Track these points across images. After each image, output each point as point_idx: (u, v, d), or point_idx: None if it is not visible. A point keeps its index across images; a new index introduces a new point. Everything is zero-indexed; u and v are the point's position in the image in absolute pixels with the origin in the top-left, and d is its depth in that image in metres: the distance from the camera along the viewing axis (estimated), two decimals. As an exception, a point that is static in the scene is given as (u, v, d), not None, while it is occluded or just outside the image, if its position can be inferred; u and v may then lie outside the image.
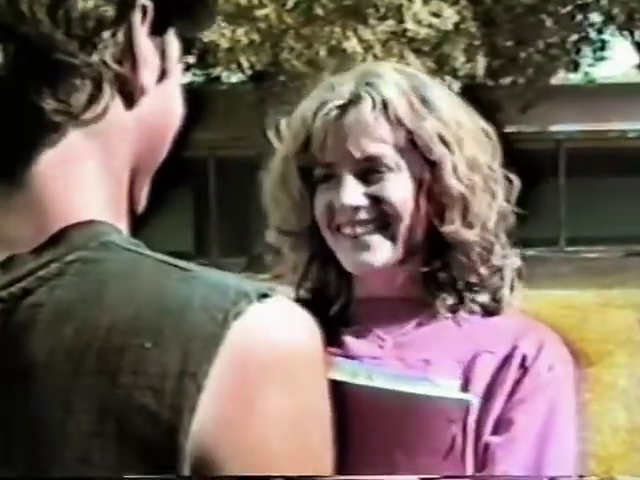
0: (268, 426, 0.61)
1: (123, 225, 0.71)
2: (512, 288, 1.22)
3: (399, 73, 1.17)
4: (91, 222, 0.67)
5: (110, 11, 0.67)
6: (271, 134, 1.22)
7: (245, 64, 14.49)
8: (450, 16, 14.34)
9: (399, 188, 1.14)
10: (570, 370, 1.19)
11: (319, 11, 13.98)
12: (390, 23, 14.35)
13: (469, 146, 1.16)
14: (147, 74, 0.71)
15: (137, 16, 0.69)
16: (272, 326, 0.63)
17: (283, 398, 0.62)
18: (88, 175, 0.69)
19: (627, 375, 6.81)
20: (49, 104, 0.66)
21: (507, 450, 1.12)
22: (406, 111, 1.13)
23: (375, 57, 13.82)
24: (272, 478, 0.61)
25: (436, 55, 14.91)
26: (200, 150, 16.88)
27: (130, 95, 0.70)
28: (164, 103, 0.74)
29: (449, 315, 1.18)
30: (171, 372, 0.60)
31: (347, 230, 1.15)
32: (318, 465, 0.64)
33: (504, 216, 1.19)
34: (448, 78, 14.64)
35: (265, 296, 0.64)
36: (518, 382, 1.15)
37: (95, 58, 0.67)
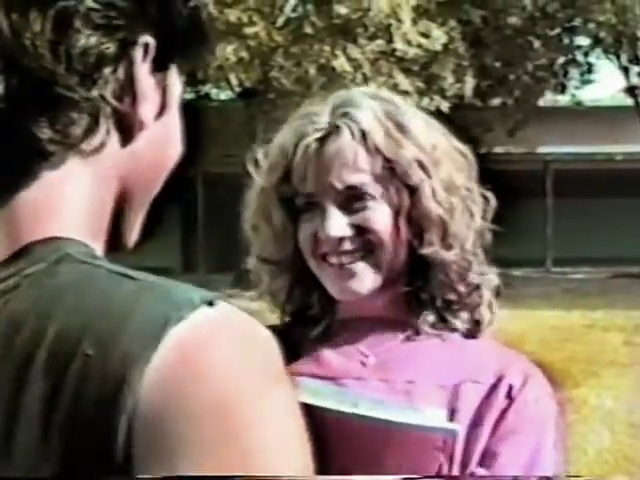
0: (194, 427, 0.60)
1: (99, 248, 0.72)
2: (490, 306, 1.23)
3: (373, 99, 1.18)
4: (55, 238, 0.68)
5: (111, 48, 0.69)
6: (249, 165, 1.22)
7: (234, 81, 14.53)
8: (439, 37, 14.43)
9: (380, 216, 1.15)
10: (553, 404, 1.20)
11: (308, 30, 14.05)
12: (379, 43, 14.43)
13: (445, 168, 1.17)
14: (146, 110, 0.72)
15: (139, 53, 0.71)
16: (212, 332, 0.63)
17: (217, 400, 0.61)
18: (70, 201, 0.70)
19: (613, 397, 6.82)
20: (45, 134, 0.68)
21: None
22: (383, 139, 1.15)
23: (364, 76, 13.89)
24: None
25: (425, 75, 14.99)
26: (188, 166, 16.89)
27: (128, 130, 0.72)
28: (162, 138, 0.75)
29: (432, 332, 1.19)
30: (110, 377, 0.61)
31: (332, 259, 1.16)
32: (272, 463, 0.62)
33: (481, 234, 1.21)
34: (437, 98, 14.72)
35: (210, 304, 0.64)
36: (504, 412, 1.16)
37: (94, 93, 0.69)
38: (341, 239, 1.15)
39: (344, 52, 13.99)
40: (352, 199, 1.15)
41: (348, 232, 1.15)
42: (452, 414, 1.14)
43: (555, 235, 19.00)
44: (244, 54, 13.95)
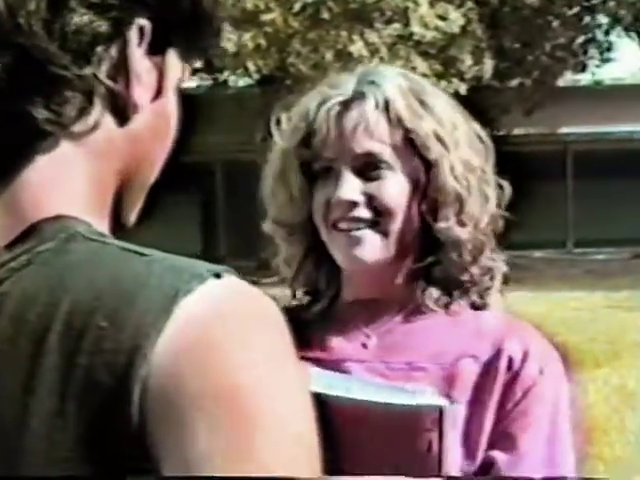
0: (204, 395, 0.62)
1: (104, 229, 0.73)
2: (500, 292, 1.24)
3: (400, 75, 1.20)
4: (61, 217, 0.69)
5: (104, 27, 0.70)
6: (272, 127, 1.23)
7: (252, 68, 14.50)
8: (456, 19, 14.33)
9: (395, 186, 1.16)
10: (560, 368, 1.18)
11: (325, 15, 13.99)
12: (396, 26, 14.35)
13: (464, 148, 1.18)
14: (140, 92, 0.73)
15: (133, 34, 0.72)
16: (221, 302, 0.65)
17: (230, 369, 0.62)
18: (71, 180, 0.71)
19: (635, 377, 6.79)
20: (41, 113, 0.69)
21: (516, 468, 1.11)
22: (406, 111, 1.15)
23: (381, 60, 13.82)
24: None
25: (443, 58, 14.89)
26: (207, 154, 16.91)
27: (123, 111, 0.73)
28: (158, 122, 0.76)
29: (435, 308, 1.19)
30: (124, 348, 0.62)
31: (342, 225, 1.16)
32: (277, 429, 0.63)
33: (494, 220, 1.21)
34: (455, 80, 14.63)
35: (218, 276, 0.66)
36: (509, 387, 1.14)
37: (87, 72, 0.70)
38: (353, 204, 1.15)
39: (361, 37, 13.93)
40: (369, 167, 1.16)
41: (360, 198, 1.16)
42: (449, 391, 1.13)
43: (576, 216, 18.88)
44: (261, 41, 13.92)
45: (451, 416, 1.09)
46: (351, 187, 1.15)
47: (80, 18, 0.69)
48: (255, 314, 0.66)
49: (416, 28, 14.15)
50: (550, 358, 1.18)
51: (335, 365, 1.17)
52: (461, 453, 1.12)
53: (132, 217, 0.79)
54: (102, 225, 0.73)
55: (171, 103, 0.77)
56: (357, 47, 13.79)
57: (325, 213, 1.18)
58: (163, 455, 0.61)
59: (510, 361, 1.15)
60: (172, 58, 0.76)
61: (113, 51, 0.71)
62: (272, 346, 0.65)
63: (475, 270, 1.19)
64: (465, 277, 1.19)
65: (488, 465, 1.11)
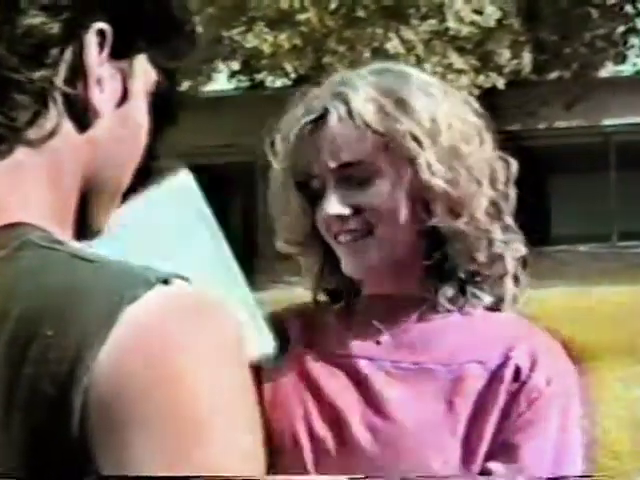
0: (144, 403, 0.61)
1: (67, 235, 0.72)
2: (516, 279, 1.21)
3: (378, 75, 1.20)
4: (17, 224, 0.68)
5: (56, 29, 0.68)
6: (267, 148, 1.25)
7: (288, 69, 14.53)
8: (492, 13, 14.23)
9: (378, 192, 1.16)
10: (569, 380, 1.15)
11: (360, 13, 13.97)
12: (432, 22, 14.28)
13: (446, 138, 1.16)
14: (101, 97, 0.71)
15: (91, 38, 0.70)
16: (166, 309, 0.63)
17: (171, 379, 0.61)
18: (29, 187, 0.70)
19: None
20: None
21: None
22: (375, 116, 1.15)
23: (417, 57, 13.76)
24: None
25: (479, 52, 14.80)
26: (246, 156, 16.97)
27: (82, 117, 0.71)
28: (123, 127, 0.74)
29: (450, 307, 1.18)
30: (67, 357, 0.62)
31: (340, 238, 1.18)
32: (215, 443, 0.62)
33: (497, 202, 1.19)
34: (493, 75, 14.52)
35: (166, 282, 0.64)
36: (515, 397, 1.10)
37: (39, 74, 0.68)
38: (344, 218, 1.16)
39: (397, 34, 13.89)
40: (351, 178, 1.16)
41: (346, 211, 1.16)
42: (452, 396, 1.11)
43: (620, 209, 18.65)
44: (297, 41, 13.93)
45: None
46: (334, 202, 1.17)
47: (30, 20, 0.68)
48: (202, 322, 0.64)
49: (452, 23, 14.07)
50: (560, 369, 1.14)
51: (347, 361, 1.17)
52: (459, 461, 1.09)
53: (103, 223, 0.77)
54: (65, 231, 0.72)
55: (138, 108, 0.75)
56: (393, 44, 13.74)
57: (326, 228, 1.20)
58: (102, 465, 0.60)
59: (517, 370, 1.12)
60: (141, 63, 0.74)
61: (69, 55, 0.70)
62: (219, 356, 0.63)
63: (482, 258, 1.18)
64: (473, 267, 1.18)
65: (485, 476, 1.08)
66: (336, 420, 1.12)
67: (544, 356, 1.13)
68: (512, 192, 1.21)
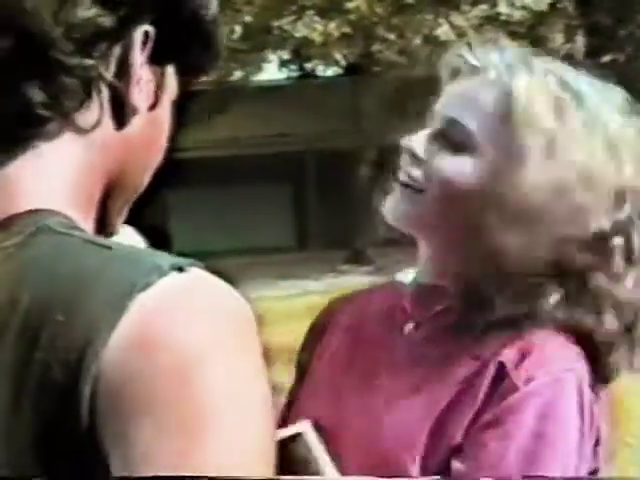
0: (152, 392, 0.60)
1: (88, 228, 0.72)
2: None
3: (550, 73, 1.11)
4: (36, 210, 0.69)
5: (108, 22, 0.71)
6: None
7: (338, 57, 14.51)
8: (545, -4, 14.05)
9: (461, 169, 1.07)
10: (563, 386, 1.01)
11: (410, 0, 13.88)
12: (483, 7, 14.14)
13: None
14: (140, 96, 0.73)
15: (137, 38, 0.72)
16: (179, 296, 0.63)
17: (182, 368, 0.61)
18: (60, 175, 0.72)
19: None
20: (38, 97, 0.69)
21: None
22: (544, 109, 1.06)
23: (468, 43, 13.63)
24: None
25: (532, 37, 14.62)
26: (298, 145, 16.99)
27: (122, 112, 0.73)
28: (153, 132, 0.76)
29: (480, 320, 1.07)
30: (76, 344, 0.61)
31: (397, 174, 1.11)
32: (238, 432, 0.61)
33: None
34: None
35: (180, 270, 0.64)
36: (489, 396, 1.01)
37: (90, 62, 0.70)
38: (414, 160, 1.09)
39: (447, 20, 13.78)
40: (456, 136, 1.08)
41: (421, 154, 1.09)
42: (439, 390, 1.04)
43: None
44: (346, 29, 13.90)
45: (312, 435, 1.05)
46: (422, 143, 1.09)
47: (86, 11, 0.70)
48: (216, 310, 0.63)
49: (503, 8, 13.92)
50: (551, 368, 1.01)
51: (375, 349, 1.13)
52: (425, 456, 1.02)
53: (117, 224, 0.78)
54: (87, 223, 0.73)
55: (165, 117, 0.77)
56: (443, 30, 13.64)
57: (394, 157, 1.12)
58: (110, 453, 0.60)
59: (501, 367, 1.01)
60: (170, 74, 0.77)
61: (117, 51, 0.72)
62: (231, 344, 0.63)
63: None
64: (524, 308, 1.04)
65: (440, 472, 1.01)
66: (339, 412, 1.09)
67: (539, 356, 1.01)
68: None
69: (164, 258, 0.65)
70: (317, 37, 13.88)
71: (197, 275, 0.65)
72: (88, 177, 0.73)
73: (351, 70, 15.05)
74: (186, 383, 0.60)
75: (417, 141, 1.10)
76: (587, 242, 1.04)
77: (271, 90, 16.23)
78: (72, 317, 0.62)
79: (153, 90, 0.75)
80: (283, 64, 16.03)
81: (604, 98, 1.11)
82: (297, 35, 14.30)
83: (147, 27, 0.73)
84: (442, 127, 1.10)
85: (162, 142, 0.79)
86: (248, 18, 14.74)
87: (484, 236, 1.04)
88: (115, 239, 0.75)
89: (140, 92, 0.73)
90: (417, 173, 1.09)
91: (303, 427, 1.09)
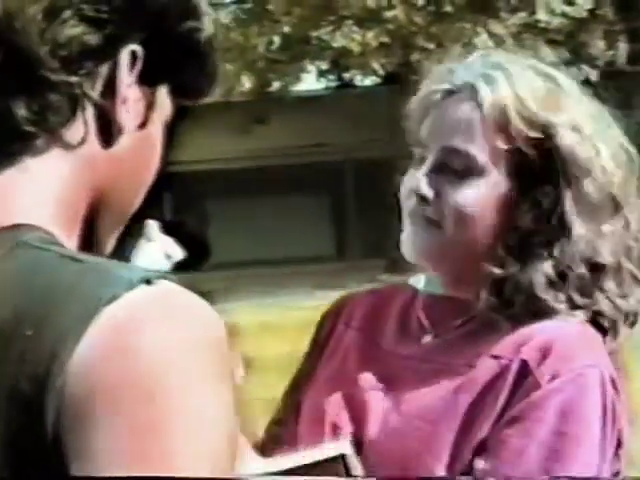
0: (114, 404, 0.61)
1: (71, 244, 0.73)
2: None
3: (529, 69, 1.10)
4: (18, 225, 0.70)
5: (94, 40, 0.72)
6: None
7: (377, 67, 14.51)
8: (584, 3, 13.93)
9: (471, 195, 1.06)
10: (589, 384, 1.00)
11: (448, 8, 13.85)
12: (521, 15, 14.07)
13: (606, 157, 1.07)
14: (126, 115, 0.74)
15: (125, 58, 0.73)
16: (144, 309, 0.63)
17: (144, 380, 0.61)
18: (44, 191, 0.72)
19: None
20: (22, 112, 0.71)
21: (496, 477, 0.99)
22: (534, 108, 1.05)
23: (507, 52, 13.57)
24: None
25: (571, 44, 14.51)
26: (336, 154, 17.01)
27: (108, 131, 0.74)
28: (142, 151, 0.77)
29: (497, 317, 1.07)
30: (44, 357, 0.62)
31: (411, 213, 1.10)
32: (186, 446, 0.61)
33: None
34: (585, 67, 14.22)
35: (149, 282, 0.64)
36: (513, 393, 1.01)
37: (75, 79, 0.71)
38: (423, 198, 1.08)
39: (485, 28, 13.73)
40: (455, 163, 1.07)
41: (429, 194, 1.08)
42: (460, 391, 1.03)
43: None
44: (384, 38, 13.91)
45: (353, 456, 1.03)
46: (425, 180, 1.08)
47: (72, 29, 0.71)
48: (181, 322, 0.64)
49: (542, 15, 13.83)
50: (574, 365, 1.00)
51: (387, 354, 1.12)
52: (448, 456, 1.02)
53: (107, 244, 0.78)
54: (71, 240, 0.73)
55: (156, 136, 0.78)
56: (482, 39, 13.59)
57: (405, 197, 1.12)
58: (72, 464, 0.61)
59: (524, 365, 1.01)
60: (163, 94, 0.77)
61: (104, 70, 0.73)
62: (194, 357, 0.63)
63: (578, 299, 1.05)
64: (549, 303, 1.05)
65: (466, 471, 1.01)
66: (358, 412, 1.08)
67: (561, 352, 1.01)
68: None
69: (135, 271, 0.66)
70: (355, 47, 13.90)
71: (165, 288, 0.65)
72: (74, 193, 0.74)
73: (389, 79, 15.04)
74: (146, 394, 0.61)
75: (421, 180, 1.08)
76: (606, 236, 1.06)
77: (310, 100, 16.27)
78: (41, 331, 0.63)
79: (143, 110, 0.75)
80: (321, 74, 16.07)
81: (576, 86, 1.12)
82: (335, 45, 14.33)
83: (135, 47, 0.74)
84: (442, 159, 1.08)
85: (153, 162, 0.79)
86: (287, 29, 14.81)
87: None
88: (152, 251, 0.76)
89: (127, 111, 0.74)
90: (430, 211, 1.08)
91: (344, 447, 1.04)
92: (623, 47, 15.12)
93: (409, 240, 1.11)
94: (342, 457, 1.04)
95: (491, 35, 13.71)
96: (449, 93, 1.10)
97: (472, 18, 13.84)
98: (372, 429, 1.07)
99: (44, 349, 0.63)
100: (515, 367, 1.01)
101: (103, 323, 0.63)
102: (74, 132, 0.73)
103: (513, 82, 1.07)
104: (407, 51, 14.21)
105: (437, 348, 1.09)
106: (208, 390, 0.63)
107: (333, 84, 16.34)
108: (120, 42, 0.74)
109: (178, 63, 0.77)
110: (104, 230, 0.78)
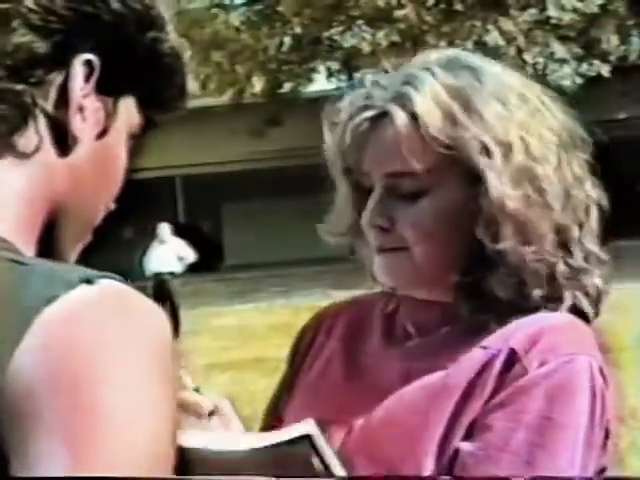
0: (49, 403, 0.61)
1: (29, 252, 0.73)
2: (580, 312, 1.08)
3: (447, 71, 1.09)
4: None
5: (42, 48, 0.72)
6: (325, 129, 1.16)
7: (388, 66, 14.51)
8: (595, -2, 13.89)
9: (426, 210, 1.07)
10: (578, 370, 1.00)
11: (458, 7, 13.84)
12: (532, 12, 14.04)
13: (519, 154, 1.05)
14: (82, 125, 0.74)
15: (78, 67, 0.73)
16: (80, 310, 0.64)
17: (74, 377, 0.62)
18: (3, 197, 0.72)
19: None
20: None
21: (480, 460, 0.98)
22: (441, 124, 1.05)
23: (518, 48, 13.55)
24: None
25: (583, 40, 14.46)
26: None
27: (62, 140, 0.74)
28: (102, 161, 0.77)
29: (480, 320, 1.07)
30: None
31: (376, 246, 1.10)
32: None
33: (571, 229, 1.07)
34: (597, 62, 14.17)
35: (89, 282, 0.65)
36: (500, 381, 1.01)
37: (21, 87, 0.71)
38: (383, 229, 1.08)
39: (496, 26, 13.71)
40: (404, 186, 1.07)
41: (384, 224, 1.08)
42: (448, 379, 1.04)
43: None
44: (395, 38, 13.91)
45: (320, 437, 0.99)
46: (377, 212, 1.08)
47: (20, 37, 0.71)
48: (119, 320, 0.64)
49: (553, 12, 13.80)
50: (564, 352, 1.01)
51: (372, 362, 1.12)
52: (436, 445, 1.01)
53: (68, 253, 0.78)
54: (29, 247, 0.73)
55: (118, 146, 0.78)
56: (493, 37, 13.58)
57: (366, 231, 1.11)
58: (14, 465, 0.61)
59: (512, 353, 1.01)
60: (127, 104, 0.77)
61: (57, 78, 0.73)
62: (132, 355, 0.63)
63: (537, 294, 1.05)
64: (517, 300, 1.05)
65: (453, 455, 1.00)
66: (342, 417, 1.07)
67: (549, 341, 1.01)
68: (593, 217, 1.09)
69: (77, 272, 0.66)
70: (366, 47, 13.91)
71: (106, 287, 0.65)
72: (30, 201, 0.74)
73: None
74: (79, 392, 0.62)
75: (373, 212, 1.08)
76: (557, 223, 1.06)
77: (322, 101, 16.22)
78: None
79: (102, 120, 0.75)
80: (331, 74, 16.08)
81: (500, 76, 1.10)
82: (346, 45, 14.36)
83: (89, 56, 0.74)
84: (388, 185, 1.08)
85: (114, 172, 0.79)
86: (297, 30, 14.83)
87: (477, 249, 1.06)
88: (164, 252, 0.76)
89: (83, 121, 0.74)
90: (391, 240, 1.08)
91: (308, 428, 1.00)
92: (636, 42, 15.06)
93: (381, 270, 1.11)
94: (308, 437, 1.00)
95: (502, 32, 13.69)
96: (373, 120, 1.09)
97: (483, 16, 13.82)
98: (357, 427, 1.07)
99: None
100: (503, 355, 1.02)
101: (41, 323, 0.63)
102: (27, 140, 0.73)
103: (420, 99, 1.07)
104: (418, 50, 14.14)
105: (424, 350, 1.10)
106: (138, 387, 0.63)
107: (344, 84, 16.33)
108: (70, 51, 0.73)
109: (139, 74, 0.77)
110: (65, 240, 0.78)
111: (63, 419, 0.61)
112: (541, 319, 1.05)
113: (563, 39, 14.12)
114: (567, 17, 13.82)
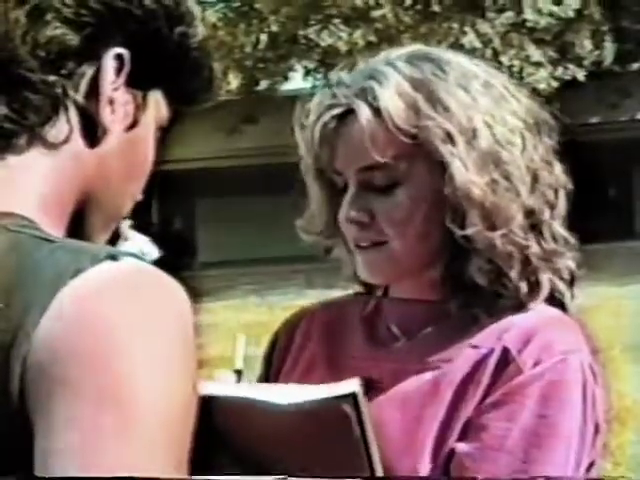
0: (73, 372, 0.63)
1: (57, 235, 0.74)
2: (555, 296, 1.09)
3: (410, 65, 1.09)
4: (2, 214, 0.72)
5: (74, 41, 0.74)
6: (295, 129, 1.16)
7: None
8: (571, 3, 13.98)
9: (400, 202, 1.07)
10: (570, 369, 1.01)
11: (436, 8, 13.89)
12: (509, 15, 14.11)
13: (484, 140, 1.06)
14: (112, 117, 0.76)
15: (109, 59, 0.75)
16: (106, 284, 0.66)
17: (97, 348, 0.64)
18: (26, 184, 0.74)
19: None
20: (3, 110, 0.73)
21: (476, 460, 0.99)
22: (404, 114, 1.06)
23: (494, 51, 13.60)
24: None
25: (558, 44, 14.56)
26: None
27: (92, 132, 0.76)
28: (131, 153, 0.78)
29: (466, 313, 1.08)
30: (11, 327, 0.65)
31: (355, 242, 1.10)
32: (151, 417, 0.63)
33: (542, 212, 1.08)
34: (572, 67, 14.27)
35: (114, 258, 0.67)
36: (494, 380, 1.01)
37: (53, 79, 0.73)
38: (360, 223, 1.08)
39: (473, 28, 13.77)
40: (376, 180, 1.08)
41: (362, 218, 1.08)
42: (441, 379, 1.04)
43: None
44: (372, 37, 13.93)
45: (363, 398, 0.98)
46: (354, 207, 1.08)
47: (53, 30, 0.73)
48: (142, 296, 0.66)
49: (529, 15, 13.88)
50: (556, 351, 1.01)
51: (357, 363, 1.11)
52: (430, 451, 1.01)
53: (96, 241, 0.80)
54: (55, 233, 0.74)
55: (146, 138, 0.79)
56: (469, 39, 13.63)
57: (344, 229, 1.11)
58: (35, 427, 0.63)
59: (505, 352, 1.02)
60: (156, 97, 0.79)
61: (88, 70, 0.75)
62: (154, 330, 0.66)
63: (514, 275, 1.06)
64: (500, 288, 1.06)
65: (448, 456, 1.00)
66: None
67: (542, 335, 1.02)
68: (561, 201, 1.10)
69: (102, 249, 0.69)
70: (342, 46, 13.91)
71: (130, 263, 0.68)
72: (58, 189, 0.75)
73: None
74: (102, 361, 0.64)
75: (350, 207, 1.08)
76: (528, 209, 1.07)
77: (298, 99, 16.21)
78: (12, 303, 0.66)
79: (132, 112, 0.77)
80: (308, 73, 16.08)
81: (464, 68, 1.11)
82: (323, 44, 14.35)
83: (121, 50, 0.75)
84: (361, 180, 1.09)
85: (142, 164, 0.80)
86: (274, 27, 14.81)
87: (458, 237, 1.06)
88: (127, 248, 0.77)
89: (113, 113, 0.76)
90: (371, 234, 1.08)
91: (355, 387, 0.98)
92: (610, 47, 15.19)
93: (363, 266, 1.11)
94: (352, 396, 0.98)
95: (478, 35, 13.75)
96: (340, 117, 1.09)
97: (460, 18, 13.88)
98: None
99: (13, 319, 0.65)
100: (496, 355, 1.02)
101: (67, 294, 0.65)
102: (57, 131, 0.75)
103: (383, 92, 1.07)
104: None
105: (413, 350, 1.09)
106: (168, 363, 0.65)
107: (320, 83, 16.33)
108: (102, 44, 0.75)
109: (169, 68, 0.79)
110: (93, 228, 0.79)
111: (87, 388, 0.63)
112: (532, 316, 1.06)
113: (539, 42, 14.21)
114: (543, 21, 13.91)
